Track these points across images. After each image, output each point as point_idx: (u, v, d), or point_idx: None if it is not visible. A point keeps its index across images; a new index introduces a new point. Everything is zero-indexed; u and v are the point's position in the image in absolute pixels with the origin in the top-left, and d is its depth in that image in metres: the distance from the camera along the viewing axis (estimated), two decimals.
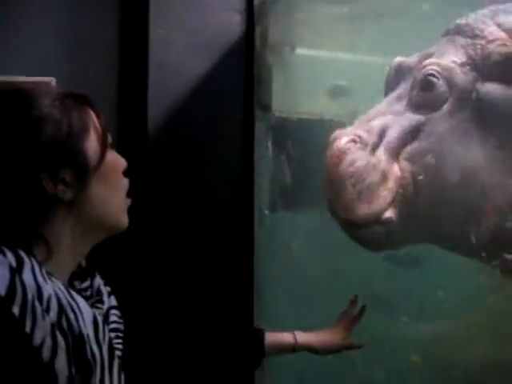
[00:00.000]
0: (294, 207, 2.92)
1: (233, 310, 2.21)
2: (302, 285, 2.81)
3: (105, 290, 1.25)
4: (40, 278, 1.03)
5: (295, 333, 1.66)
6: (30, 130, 1.08)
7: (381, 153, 2.13)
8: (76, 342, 1.04)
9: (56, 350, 1.01)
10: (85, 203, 1.12)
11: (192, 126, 2.31)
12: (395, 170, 2.12)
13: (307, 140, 2.98)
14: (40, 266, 1.04)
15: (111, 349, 1.11)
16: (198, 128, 2.32)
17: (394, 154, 2.14)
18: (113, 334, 1.17)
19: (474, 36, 2.19)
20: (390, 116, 2.20)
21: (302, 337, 1.66)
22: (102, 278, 1.26)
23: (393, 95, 2.31)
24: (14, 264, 1.01)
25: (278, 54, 2.72)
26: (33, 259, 1.04)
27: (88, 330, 1.07)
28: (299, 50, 2.82)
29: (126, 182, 1.20)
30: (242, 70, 2.39)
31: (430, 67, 2.17)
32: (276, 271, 2.81)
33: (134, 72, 2.15)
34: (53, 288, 1.04)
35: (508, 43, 2.11)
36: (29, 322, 0.99)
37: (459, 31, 2.25)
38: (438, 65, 2.17)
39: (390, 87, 2.39)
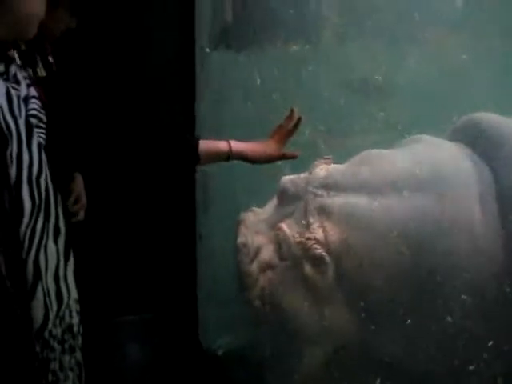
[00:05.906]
0: (235, 45, 2.90)
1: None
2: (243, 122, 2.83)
3: (23, 80, 1.26)
4: None
5: (230, 141, 1.69)
6: None
7: None
8: None
9: None
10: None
11: None
12: None
13: None
14: None
15: (29, 125, 1.14)
16: None
17: None
18: (34, 121, 1.20)
19: None
20: None
21: (237, 145, 1.69)
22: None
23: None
24: None
25: None
26: None
27: (1, 101, 1.09)
28: None
29: None
30: None
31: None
32: (218, 108, 2.85)
33: None
34: None
35: None
36: None
37: None
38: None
39: None
